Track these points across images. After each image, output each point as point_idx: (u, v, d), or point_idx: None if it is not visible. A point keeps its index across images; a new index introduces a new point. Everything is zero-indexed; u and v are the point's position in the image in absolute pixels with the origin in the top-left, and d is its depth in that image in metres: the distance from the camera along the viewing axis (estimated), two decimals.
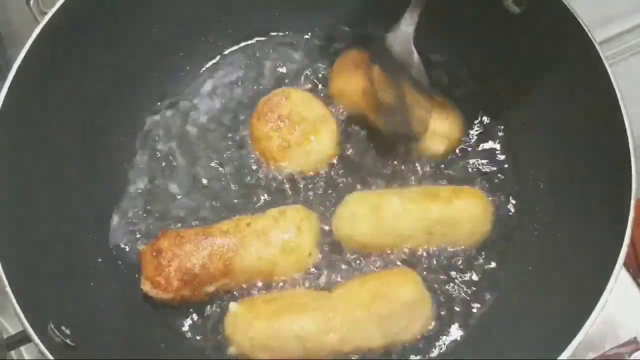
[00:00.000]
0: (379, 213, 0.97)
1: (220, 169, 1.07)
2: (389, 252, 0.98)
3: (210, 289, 0.94)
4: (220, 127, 1.11)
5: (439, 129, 1.04)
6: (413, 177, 1.05)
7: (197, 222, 1.02)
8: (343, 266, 0.98)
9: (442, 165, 1.06)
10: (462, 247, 1.00)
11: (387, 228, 0.97)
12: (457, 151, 1.07)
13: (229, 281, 0.95)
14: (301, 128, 1.04)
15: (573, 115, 0.95)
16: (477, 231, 0.99)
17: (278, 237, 0.95)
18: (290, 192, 1.04)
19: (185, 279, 0.92)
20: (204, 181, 1.06)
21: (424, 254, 0.99)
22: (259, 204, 1.03)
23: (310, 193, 1.04)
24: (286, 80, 1.14)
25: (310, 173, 1.05)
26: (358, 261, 0.99)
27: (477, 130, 1.09)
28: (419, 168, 1.06)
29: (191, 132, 1.11)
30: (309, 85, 1.13)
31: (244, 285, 0.96)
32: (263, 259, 0.94)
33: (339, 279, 0.97)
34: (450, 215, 0.97)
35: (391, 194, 1.00)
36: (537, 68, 1.00)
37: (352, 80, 1.07)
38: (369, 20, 1.15)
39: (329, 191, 1.04)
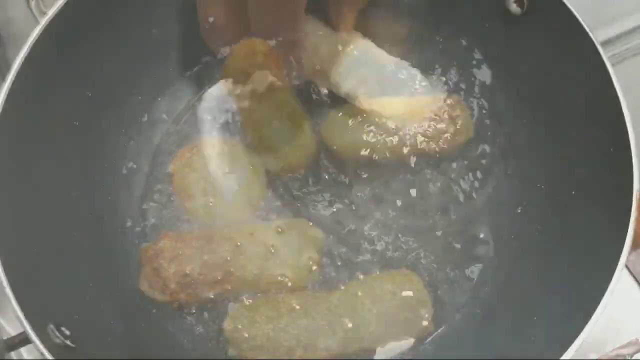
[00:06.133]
0: None
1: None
2: (388, 256, 0.98)
3: (208, 295, 0.94)
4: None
5: (446, 129, 1.03)
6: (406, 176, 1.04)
7: (201, 226, 1.01)
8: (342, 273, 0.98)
9: (439, 166, 1.05)
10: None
11: None
12: (456, 152, 1.07)
13: (227, 289, 0.94)
14: None
15: (574, 116, 0.94)
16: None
17: (280, 250, 0.94)
18: None
19: (183, 283, 0.92)
20: None
21: (424, 256, 0.99)
22: None
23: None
24: None
25: None
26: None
27: (475, 131, 1.08)
28: (412, 165, 1.05)
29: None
30: None
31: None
32: (263, 271, 0.94)
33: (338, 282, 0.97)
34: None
35: None
36: (538, 69, 0.99)
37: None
38: None
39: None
